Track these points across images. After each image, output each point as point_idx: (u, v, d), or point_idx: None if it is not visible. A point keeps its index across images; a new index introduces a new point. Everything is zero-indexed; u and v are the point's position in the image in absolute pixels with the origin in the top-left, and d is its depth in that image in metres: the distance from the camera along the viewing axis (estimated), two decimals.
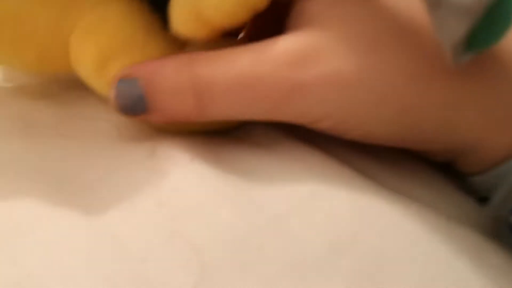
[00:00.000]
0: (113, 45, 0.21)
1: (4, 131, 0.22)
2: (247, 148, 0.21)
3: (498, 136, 0.20)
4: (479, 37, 0.17)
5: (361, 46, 0.19)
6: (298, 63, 0.19)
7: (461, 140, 0.20)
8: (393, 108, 0.19)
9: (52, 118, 0.23)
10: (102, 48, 0.21)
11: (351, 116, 0.19)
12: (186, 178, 0.19)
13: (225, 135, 0.23)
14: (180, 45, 0.21)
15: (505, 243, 0.20)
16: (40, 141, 0.21)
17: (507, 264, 0.18)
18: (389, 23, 0.19)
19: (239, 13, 0.19)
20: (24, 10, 0.21)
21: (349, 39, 0.19)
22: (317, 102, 0.19)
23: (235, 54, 0.20)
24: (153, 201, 0.18)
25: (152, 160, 0.20)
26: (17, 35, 0.22)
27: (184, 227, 0.17)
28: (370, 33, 0.19)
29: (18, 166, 0.20)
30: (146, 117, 0.21)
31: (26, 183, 0.19)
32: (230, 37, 0.22)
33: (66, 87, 0.25)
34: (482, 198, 0.22)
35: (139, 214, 0.18)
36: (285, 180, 0.19)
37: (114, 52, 0.21)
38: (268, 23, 0.23)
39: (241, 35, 0.25)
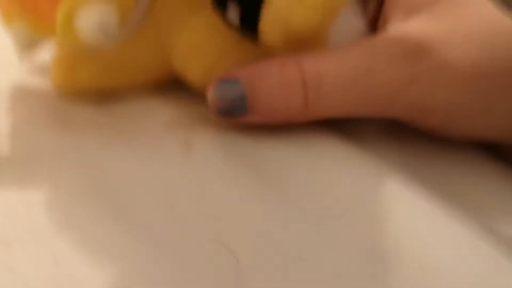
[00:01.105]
0: (216, 59, 0.22)
1: (45, 125, 0.22)
2: (284, 147, 0.21)
3: None
4: None
5: (475, 38, 0.19)
6: (414, 54, 0.19)
7: None
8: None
9: (91, 114, 0.23)
10: (207, 65, 0.22)
11: (465, 109, 0.19)
12: (220, 177, 0.19)
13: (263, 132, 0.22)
14: (262, 53, 0.22)
15: None
16: (79, 135, 0.22)
17: None
18: (489, 18, 0.19)
19: (324, 22, 0.20)
20: (125, 51, 0.23)
21: (462, 30, 0.19)
22: (431, 93, 0.19)
23: (343, 50, 0.19)
24: (187, 199, 0.18)
25: (187, 156, 0.20)
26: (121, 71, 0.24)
27: (220, 229, 0.17)
28: (484, 27, 0.19)
29: (58, 159, 0.20)
30: (245, 118, 0.20)
31: (66, 176, 0.19)
32: None
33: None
34: None
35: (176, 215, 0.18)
36: (324, 182, 0.19)
37: (218, 64, 0.22)
38: None
39: None
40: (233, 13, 0.21)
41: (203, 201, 0.18)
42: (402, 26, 0.19)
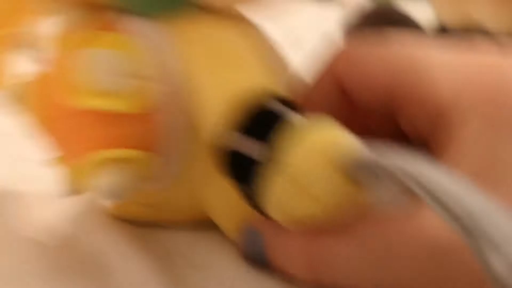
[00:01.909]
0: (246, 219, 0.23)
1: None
2: None
3: None
4: None
5: None
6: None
7: None
8: None
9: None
10: (237, 223, 0.24)
11: None
12: None
13: None
14: None
15: None
16: None
17: None
18: None
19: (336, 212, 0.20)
20: (164, 198, 0.25)
21: None
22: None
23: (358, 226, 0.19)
24: None
25: None
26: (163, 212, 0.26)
27: None
28: None
29: None
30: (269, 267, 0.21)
31: None
32: None
33: None
34: None
35: None
36: None
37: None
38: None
39: None
40: (241, 193, 0.22)
41: None
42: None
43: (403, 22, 0.50)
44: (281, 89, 0.22)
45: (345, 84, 0.23)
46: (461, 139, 0.19)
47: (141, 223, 0.27)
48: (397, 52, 0.22)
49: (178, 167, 0.24)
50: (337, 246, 0.19)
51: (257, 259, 0.22)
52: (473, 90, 0.20)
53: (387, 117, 0.22)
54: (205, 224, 0.27)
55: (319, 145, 0.19)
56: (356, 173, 0.18)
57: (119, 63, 0.21)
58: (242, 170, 0.20)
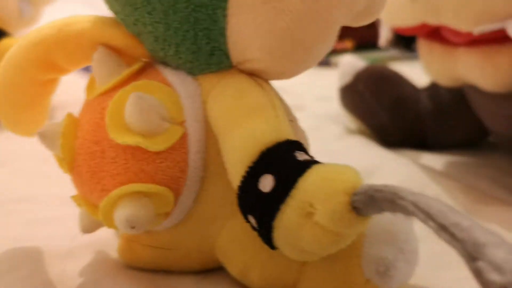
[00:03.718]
0: (252, 259, 0.25)
1: None
2: None
3: None
4: None
5: None
6: None
7: None
8: None
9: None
10: (243, 263, 0.26)
11: None
12: None
13: None
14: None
15: None
16: None
17: None
18: None
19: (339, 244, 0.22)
20: (173, 239, 0.27)
21: None
22: None
23: None
24: None
25: None
26: (172, 257, 0.28)
27: None
28: None
29: None
30: None
31: None
32: None
33: None
34: None
35: None
36: None
37: (254, 263, 0.25)
38: None
39: None
40: (253, 222, 0.23)
41: None
42: None
43: (395, 80, 0.52)
44: (291, 134, 0.24)
45: None
46: None
47: (150, 270, 0.28)
48: None
49: (190, 204, 0.26)
50: None
51: None
52: None
53: None
54: (213, 270, 0.28)
55: (324, 180, 0.20)
56: (358, 201, 0.20)
57: (157, 107, 0.24)
58: (259, 205, 0.22)
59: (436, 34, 0.43)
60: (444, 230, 0.16)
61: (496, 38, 0.38)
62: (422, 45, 0.46)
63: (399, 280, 0.23)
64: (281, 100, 0.26)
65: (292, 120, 0.27)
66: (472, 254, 0.15)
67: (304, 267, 0.25)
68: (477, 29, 0.37)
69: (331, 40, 0.25)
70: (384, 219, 0.24)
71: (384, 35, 0.52)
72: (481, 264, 0.14)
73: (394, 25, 0.46)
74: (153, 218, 0.24)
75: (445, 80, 0.46)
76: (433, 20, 0.41)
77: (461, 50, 0.41)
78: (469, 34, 0.39)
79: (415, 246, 0.24)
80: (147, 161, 0.24)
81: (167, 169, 0.24)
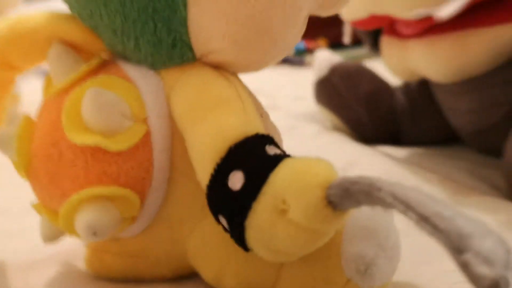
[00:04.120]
0: (226, 262, 0.24)
1: None
2: None
3: None
4: None
5: None
6: None
7: None
8: None
9: None
10: (216, 267, 0.24)
11: None
12: None
13: None
14: None
15: None
16: None
17: None
18: None
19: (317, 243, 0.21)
20: (142, 245, 0.25)
21: None
22: None
23: None
24: None
25: None
26: (142, 264, 0.26)
27: None
28: None
29: None
30: None
31: None
32: None
33: None
34: None
35: None
36: None
37: (228, 266, 0.24)
38: None
39: None
40: (224, 223, 0.22)
41: None
42: None
43: (369, 74, 0.52)
44: (261, 128, 0.23)
45: None
46: None
47: (120, 280, 0.27)
48: None
49: (158, 207, 0.24)
50: None
51: None
52: None
53: None
54: (187, 277, 0.26)
55: (297, 174, 0.20)
56: (333, 195, 0.19)
57: (117, 103, 0.22)
58: (229, 203, 0.21)
59: (394, 29, 0.44)
60: (426, 220, 0.14)
61: (440, 29, 0.38)
62: (383, 41, 0.46)
63: (381, 278, 0.22)
64: (250, 93, 0.25)
65: (262, 114, 0.25)
66: (457, 246, 0.14)
67: (281, 269, 0.24)
68: (412, 14, 0.37)
69: (298, 29, 0.24)
70: (362, 215, 0.22)
71: (347, 31, 0.51)
72: (468, 256, 0.13)
73: (350, 19, 0.45)
74: (118, 223, 0.23)
75: (402, 74, 0.46)
76: (378, 10, 0.41)
77: (411, 42, 0.42)
78: (416, 25, 0.39)
79: (397, 241, 0.23)
80: (109, 162, 0.22)
81: (131, 170, 0.23)
